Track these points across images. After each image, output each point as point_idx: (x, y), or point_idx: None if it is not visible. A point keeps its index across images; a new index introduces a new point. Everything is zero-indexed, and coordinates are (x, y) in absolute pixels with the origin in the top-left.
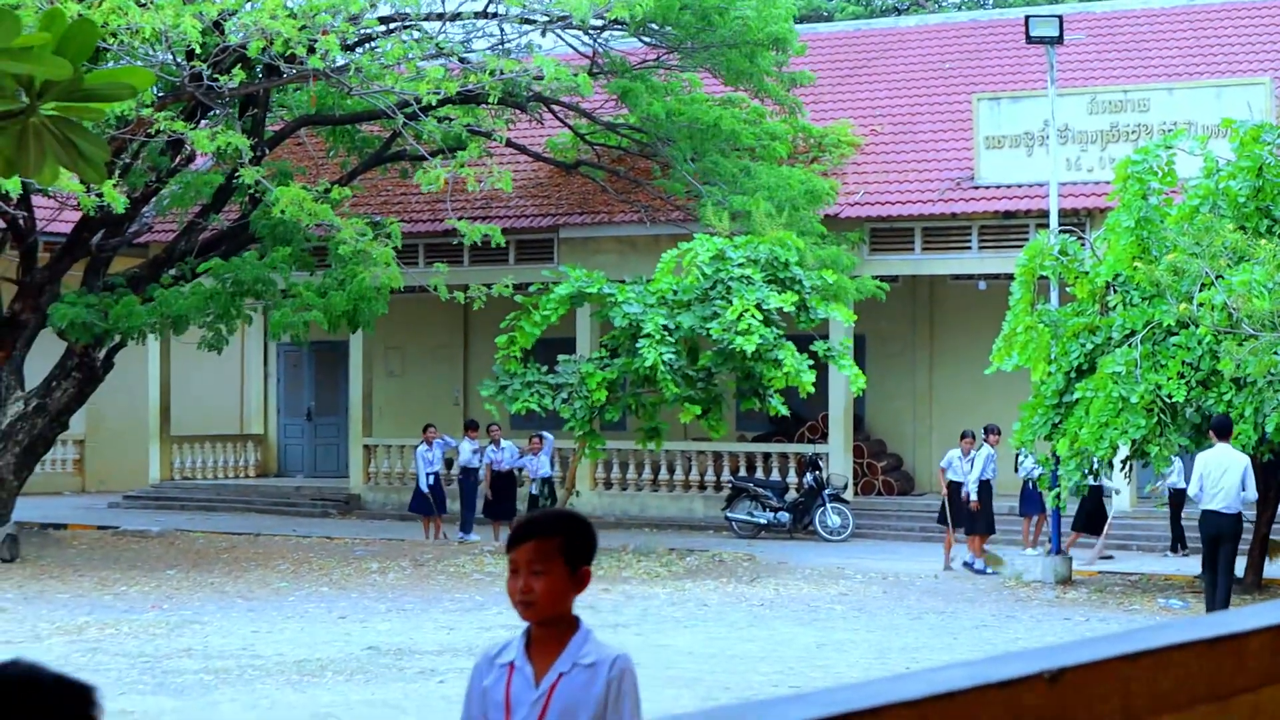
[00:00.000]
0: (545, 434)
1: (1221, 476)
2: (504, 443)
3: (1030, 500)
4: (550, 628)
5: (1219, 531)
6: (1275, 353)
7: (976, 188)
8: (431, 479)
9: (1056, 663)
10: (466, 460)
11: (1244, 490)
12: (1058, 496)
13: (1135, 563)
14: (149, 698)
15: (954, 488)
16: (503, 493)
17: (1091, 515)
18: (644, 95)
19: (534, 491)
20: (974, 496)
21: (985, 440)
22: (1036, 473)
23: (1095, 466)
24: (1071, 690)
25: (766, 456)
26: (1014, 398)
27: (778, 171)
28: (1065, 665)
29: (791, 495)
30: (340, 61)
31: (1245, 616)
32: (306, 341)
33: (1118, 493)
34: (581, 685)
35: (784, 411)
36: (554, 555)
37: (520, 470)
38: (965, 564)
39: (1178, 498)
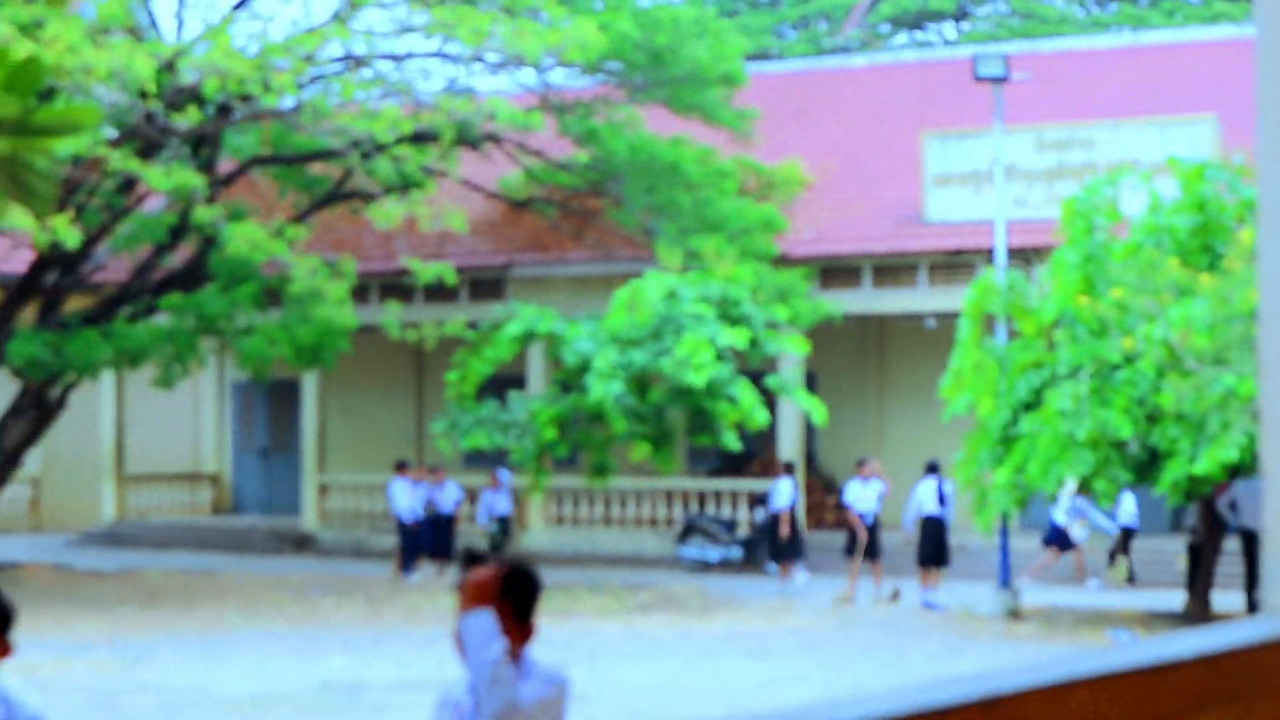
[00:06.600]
0: (502, 470)
1: None
2: (446, 482)
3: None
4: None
5: None
6: (1213, 387)
7: (924, 225)
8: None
9: (992, 689)
10: (406, 504)
11: None
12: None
13: (1082, 597)
14: None
15: (858, 518)
16: (445, 533)
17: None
18: (606, 134)
19: (490, 529)
20: (909, 530)
21: (934, 475)
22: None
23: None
24: (1006, 718)
25: (717, 492)
26: (964, 433)
27: (734, 203)
28: (1001, 693)
29: (743, 531)
30: (294, 101)
31: (1180, 644)
32: (268, 375)
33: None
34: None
35: (737, 447)
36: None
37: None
38: (926, 604)
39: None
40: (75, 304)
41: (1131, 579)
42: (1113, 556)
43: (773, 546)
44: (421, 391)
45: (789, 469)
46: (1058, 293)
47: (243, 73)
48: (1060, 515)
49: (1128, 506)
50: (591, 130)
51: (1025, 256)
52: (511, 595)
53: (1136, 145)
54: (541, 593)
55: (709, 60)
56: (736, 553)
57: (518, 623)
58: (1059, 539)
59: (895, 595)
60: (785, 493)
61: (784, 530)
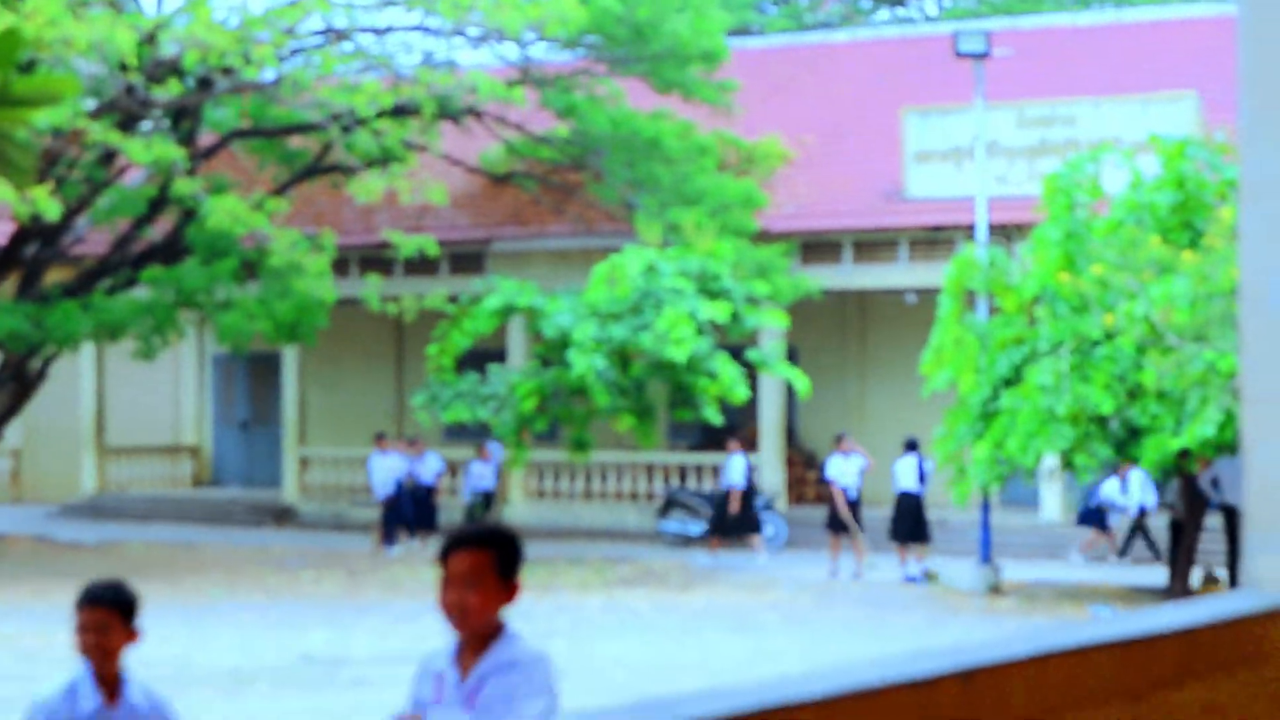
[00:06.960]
0: (493, 443)
1: None
2: (426, 454)
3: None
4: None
5: None
6: (1194, 363)
7: (905, 201)
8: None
9: (970, 662)
10: (384, 477)
11: None
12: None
13: (1065, 572)
14: None
15: (842, 493)
16: (425, 505)
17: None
18: (587, 109)
19: (473, 502)
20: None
21: (913, 452)
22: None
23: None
24: (983, 690)
25: (698, 467)
26: (944, 409)
27: (714, 178)
28: (978, 665)
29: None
30: (274, 74)
31: (1159, 619)
32: (246, 350)
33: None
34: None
35: (719, 421)
36: (487, 569)
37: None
38: (908, 578)
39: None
40: (55, 276)
41: (1121, 553)
42: (1143, 533)
43: (722, 522)
44: (402, 365)
45: (742, 445)
46: (1039, 269)
47: (223, 45)
48: (1116, 495)
49: (1136, 485)
50: (572, 104)
51: (1006, 233)
52: (497, 554)
53: (1118, 122)
54: (523, 552)
55: (690, 35)
56: None
57: (502, 582)
58: (1099, 519)
59: (932, 575)
60: (737, 469)
61: (733, 506)
